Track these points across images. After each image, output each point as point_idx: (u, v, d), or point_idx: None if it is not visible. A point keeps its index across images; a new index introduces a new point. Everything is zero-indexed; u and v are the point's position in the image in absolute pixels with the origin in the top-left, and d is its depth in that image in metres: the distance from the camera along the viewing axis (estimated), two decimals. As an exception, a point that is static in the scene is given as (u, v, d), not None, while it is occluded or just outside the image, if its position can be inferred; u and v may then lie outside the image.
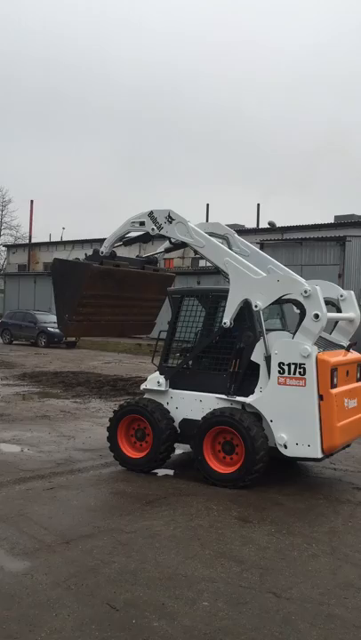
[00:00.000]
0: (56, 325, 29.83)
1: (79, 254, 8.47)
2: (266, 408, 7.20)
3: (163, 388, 8.03)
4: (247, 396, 7.39)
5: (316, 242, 28.89)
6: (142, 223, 8.22)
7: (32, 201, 55.61)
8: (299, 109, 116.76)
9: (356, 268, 28.00)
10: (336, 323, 8.27)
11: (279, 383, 7.07)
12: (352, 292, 8.28)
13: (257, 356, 7.36)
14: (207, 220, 29.55)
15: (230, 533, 5.86)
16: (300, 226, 38.08)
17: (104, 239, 8.64)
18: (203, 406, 7.64)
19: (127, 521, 6.08)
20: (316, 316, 6.94)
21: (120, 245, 8.63)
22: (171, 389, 8.03)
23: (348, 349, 7.85)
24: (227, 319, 7.51)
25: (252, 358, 7.41)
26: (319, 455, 6.93)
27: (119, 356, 25.94)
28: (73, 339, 29.77)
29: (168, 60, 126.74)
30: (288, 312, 8.34)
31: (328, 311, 7.17)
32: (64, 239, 55.57)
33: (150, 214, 8.14)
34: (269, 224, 34.41)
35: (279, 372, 7.07)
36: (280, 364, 7.06)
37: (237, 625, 4.17)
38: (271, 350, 7.19)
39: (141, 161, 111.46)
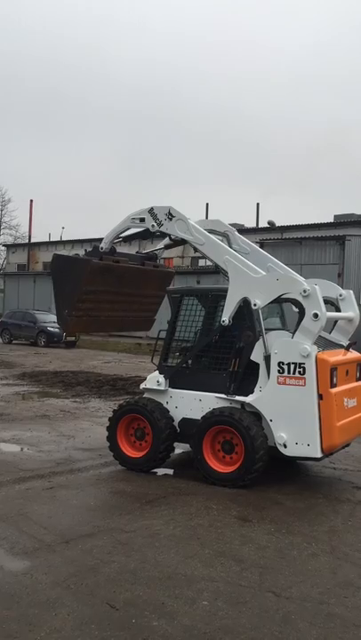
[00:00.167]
0: (56, 325, 30.07)
1: (79, 253, 8.47)
2: (265, 407, 7.20)
3: (162, 388, 8.03)
4: (247, 395, 7.39)
5: (315, 241, 28.89)
6: (142, 219, 8.21)
7: (31, 200, 55.66)
8: (299, 109, 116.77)
9: (356, 267, 28.01)
10: (335, 322, 8.27)
11: (279, 383, 7.06)
12: (351, 292, 8.28)
13: (256, 355, 7.36)
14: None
15: (230, 533, 5.86)
16: (299, 225, 38.06)
17: (104, 239, 8.64)
18: (202, 406, 7.64)
19: (127, 520, 6.08)
20: (316, 316, 6.94)
21: (120, 241, 8.62)
22: (170, 389, 8.02)
23: (347, 349, 7.85)
24: (226, 317, 7.51)
25: (251, 358, 7.41)
26: (319, 454, 6.93)
27: (119, 356, 25.93)
28: (72, 338, 29.81)
29: (168, 59, 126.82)
30: (288, 311, 8.34)
31: (327, 310, 7.17)
32: (64, 239, 55.57)
33: (150, 211, 8.14)
34: (269, 223, 34.39)
35: (279, 371, 7.07)
36: (280, 364, 7.06)
37: (237, 624, 4.18)
38: (271, 350, 7.18)
39: (141, 160, 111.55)
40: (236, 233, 8.83)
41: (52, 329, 29.62)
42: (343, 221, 37.12)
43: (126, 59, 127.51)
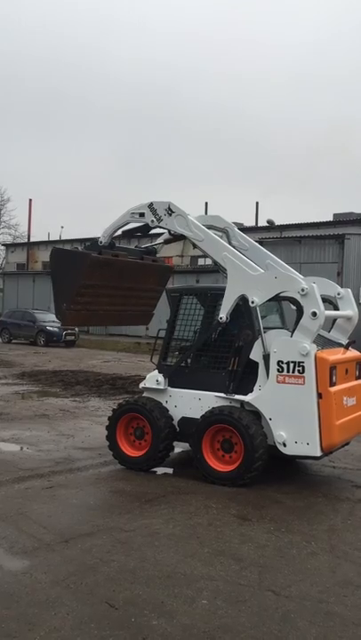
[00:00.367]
0: (55, 324, 30.04)
1: (78, 247, 8.46)
2: (265, 406, 7.20)
3: (162, 387, 8.03)
4: (246, 394, 7.38)
5: (314, 240, 28.89)
6: (142, 214, 8.21)
7: (30, 200, 55.64)
8: (299, 108, 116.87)
9: (355, 265, 28.00)
10: (334, 321, 8.27)
11: (278, 381, 7.06)
12: (349, 290, 8.27)
13: (256, 354, 7.36)
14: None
15: (229, 531, 5.86)
16: (298, 224, 38.04)
17: (103, 232, 8.62)
18: (202, 404, 7.64)
19: (126, 519, 6.08)
20: (314, 314, 6.94)
21: (119, 236, 8.61)
22: (170, 388, 8.02)
23: (346, 347, 7.84)
24: (223, 314, 7.51)
25: (250, 356, 7.41)
26: (318, 453, 6.92)
27: (118, 355, 25.92)
28: (72, 338, 29.80)
29: (168, 59, 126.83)
30: (287, 309, 8.34)
31: (325, 309, 7.17)
32: (63, 238, 55.52)
33: (150, 206, 8.13)
34: (268, 222, 34.30)
35: (278, 370, 7.06)
36: (279, 363, 7.05)
37: (237, 623, 4.17)
38: (270, 348, 7.18)
39: (141, 160, 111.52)
40: (236, 229, 8.82)
41: (51, 328, 29.62)
42: (342, 220, 37.12)
43: (126, 58, 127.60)
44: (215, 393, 7.59)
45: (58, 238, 56.46)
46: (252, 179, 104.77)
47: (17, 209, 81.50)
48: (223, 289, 7.69)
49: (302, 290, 7.02)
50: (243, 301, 7.44)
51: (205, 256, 8.89)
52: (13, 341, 30.95)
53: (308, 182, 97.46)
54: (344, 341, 8.02)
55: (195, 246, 8.09)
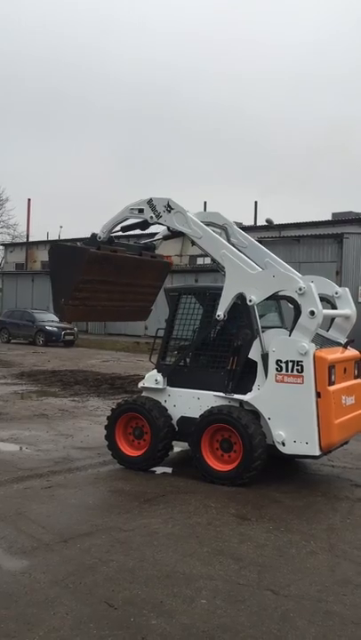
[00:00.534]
0: (54, 324, 30.00)
1: (77, 242, 8.46)
2: (264, 406, 7.19)
3: (160, 386, 8.03)
4: (245, 393, 7.38)
5: (313, 239, 28.90)
6: (141, 210, 8.19)
7: (29, 199, 55.69)
8: (299, 107, 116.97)
9: (354, 265, 28.01)
10: (333, 320, 8.27)
11: (277, 381, 7.06)
12: (347, 289, 8.27)
13: (254, 353, 7.36)
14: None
15: (228, 531, 5.86)
16: (297, 223, 38.06)
17: (101, 228, 8.60)
18: (201, 404, 7.63)
19: (125, 519, 6.08)
20: (312, 313, 6.93)
21: (118, 232, 8.60)
22: (168, 387, 8.02)
23: (345, 346, 7.85)
24: (220, 312, 7.51)
25: (249, 356, 7.41)
26: (317, 452, 6.92)
27: (117, 355, 25.92)
28: (71, 337, 29.78)
29: (168, 59, 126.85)
30: (285, 308, 8.33)
31: (323, 308, 7.17)
32: (62, 238, 55.50)
33: (149, 202, 8.12)
34: (267, 221, 34.35)
35: (277, 369, 7.06)
36: (278, 362, 7.05)
37: (236, 622, 4.17)
38: (269, 348, 7.18)
39: (141, 160, 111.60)
40: (235, 226, 8.82)
41: (50, 328, 29.61)
42: (341, 219, 37.14)
43: (126, 58, 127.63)
44: (214, 392, 7.58)
45: (57, 238, 56.45)
46: (251, 178, 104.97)
47: (15, 208, 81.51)
48: (222, 288, 7.68)
49: (300, 289, 7.02)
50: (241, 300, 7.44)
51: (204, 255, 8.89)
52: (12, 341, 30.94)
53: (307, 182, 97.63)
54: (343, 340, 8.02)
55: (193, 243, 8.08)
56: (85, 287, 8.18)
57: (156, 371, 8.18)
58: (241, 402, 7.40)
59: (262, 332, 7.46)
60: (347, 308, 8.16)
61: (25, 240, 57.16)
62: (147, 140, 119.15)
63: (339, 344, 7.90)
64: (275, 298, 7.53)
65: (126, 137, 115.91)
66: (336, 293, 8.21)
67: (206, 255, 8.21)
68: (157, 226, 8.50)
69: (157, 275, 9.22)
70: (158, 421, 7.71)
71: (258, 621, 4.19)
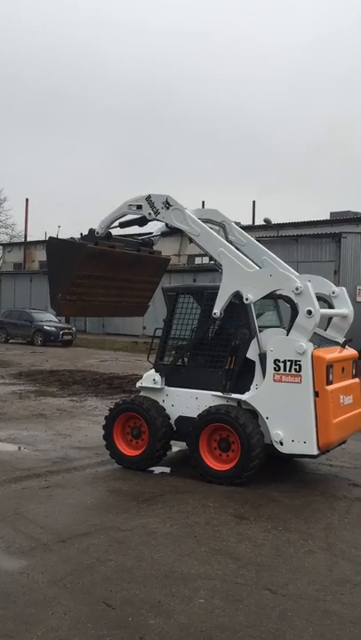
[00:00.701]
0: (52, 324, 29.98)
1: (74, 237, 8.43)
2: (262, 405, 7.20)
3: (158, 386, 8.02)
4: (243, 393, 7.38)
5: (311, 238, 28.90)
6: (139, 207, 8.19)
7: (27, 199, 55.50)
8: (299, 106, 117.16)
9: (352, 264, 28.02)
10: (330, 319, 8.27)
11: (275, 380, 7.06)
12: (344, 289, 8.28)
13: (252, 353, 7.36)
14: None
15: (226, 530, 5.86)
16: (295, 222, 38.10)
17: (99, 223, 8.60)
18: (199, 404, 7.63)
19: (123, 519, 6.07)
20: (310, 313, 6.94)
21: (116, 227, 8.61)
22: (167, 387, 8.01)
23: (343, 346, 7.85)
24: (217, 310, 7.51)
25: (247, 355, 7.41)
26: (315, 452, 6.93)
27: (115, 354, 25.91)
28: (69, 337, 29.76)
29: (168, 58, 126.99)
30: (283, 307, 8.33)
31: (320, 307, 7.17)
32: (60, 238, 55.37)
33: (148, 198, 8.12)
34: (265, 221, 34.41)
35: (275, 368, 7.06)
36: (276, 361, 7.05)
37: (234, 622, 4.17)
38: (267, 347, 7.18)
39: (140, 160, 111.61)
40: (233, 224, 8.82)
41: (48, 328, 29.60)
42: (339, 219, 37.18)
43: (126, 58, 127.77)
44: (212, 392, 7.58)
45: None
46: (251, 178, 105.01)
47: (13, 208, 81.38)
48: (219, 287, 7.68)
49: (296, 289, 7.02)
50: (237, 298, 7.44)
51: (203, 254, 8.89)
52: (10, 341, 30.91)
53: (307, 181, 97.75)
54: (340, 340, 8.03)
55: (191, 241, 8.08)
56: (83, 282, 8.18)
57: (153, 370, 8.18)
58: (239, 401, 7.40)
59: (260, 331, 7.46)
60: (344, 308, 8.17)
61: (23, 240, 57.09)
62: (146, 139, 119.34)
63: (337, 343, 7.91)
64: (272, 297, 7.53)
65: (126, 137, 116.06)
66: (333, 293, 8.21)
67: (204, 254, 8.21)
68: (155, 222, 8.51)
69: (155, 270, 9.22)
70: (156, 421, 7.71)
71: (256, 621, 4.19)
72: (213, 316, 7.56)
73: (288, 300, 7.17)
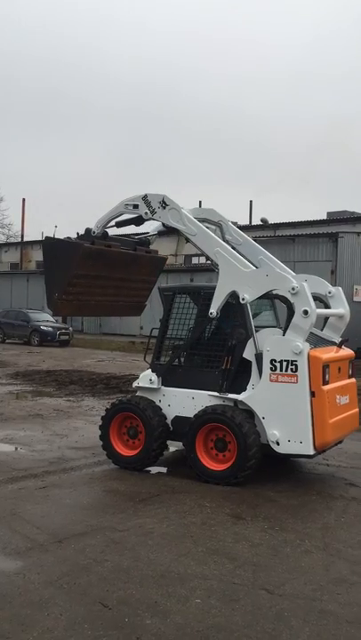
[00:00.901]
0: (49, 324, 29.92)
1: (70, 236, 8.44)
2: (258, 405, 7.20)
3: (155, 386, 8.02)
4: (239, 393, 7.38)
5: (308, 238, 28.93)
6: (136, 206, 8.19)
7: (24, 199, 55.45)
8: (298, 106, 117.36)
9: (349, 264, 28.06)
10: (326, 319, 8.28)
11: (271, 380, 7.06)
12: (340, 289, 8.28)
13: (249, 353, 7.36)
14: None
15: (223, 530, 5.86)
16: (292, 222, 38.13)
17: (96, 222, 8.60)
18: (195, 404, 7.63)
19: (120, 519, 6.07)
20: (306, 313, 6.94)
21: (112, 227, 8.60)
22: (163, 387, 8.01)
23: (339, 346, 7.85)
24: (213, 309, 7.51)
25: (243, 355, 7.41)
26: (311, 452, 6.93)
27: (112, 354, 25.89)
28: (66, 337, 29.72)
29: (168, 59, 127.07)
30: (280, 307, 8.34)
31: (316, 307, 7.18)
32: (56, 237, 55.31)
33: (144, 198, 8.11)
34: (262, 221, 34.47)
35: (271, 368, 7.06)
36: (272, 361, 7.05)
37: (230, 622, 4.17)
38: (263, 347, 7.18)
39: (140, 160, 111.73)
40: (230, 223, 8.82)
41: (45, 328, 29.57)
42: (336, 218, 37.22)
43: (126, 58, 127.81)
44: (208, 392, 7.58)
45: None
46: (251, 178, 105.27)
47: (10, 208, 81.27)
48: (216, 288, 7.68)
49: (293, 289, 7.03)
50: (234, 298, 7.44)
51: (200, 254, 8.89)
52: (7, 341, 30.87)
53: (308, 181, 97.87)
54: (337, 340, 8.03)
55: (187, 240, 8.08)
56: (79, 282, 8.17)
57: (150, 370, 8.18)
58: (235, 401, 7.40)
59: (256, 331, 7.46)
60: (340, 308, 8.17)
61: (20, 240, 57.01)
62: (146, 139, 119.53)
63: (333, 343, 7.91)
64: (268, 297, 7.53)
65: (126, 137, 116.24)
66: (329, 292, 8.21)
67: (201, 253, 8.21)
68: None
69: (152, 270, 9.21)
70: (153, 421, 7.70)
71: (252, 621, 4.19)
72: (210, 315, 7.56)
73: (284, 299, 7.17)
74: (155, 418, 7.74)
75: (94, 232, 8.34)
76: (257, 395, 7.22)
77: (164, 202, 7.99)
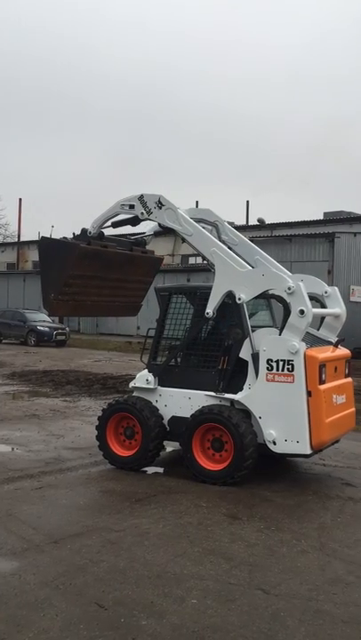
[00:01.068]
0: (45, 324, 29.88)
1: (67, 237, 8.43)
2: (254, 405, 7.19)
3: (151, 386, 8.01)
4: (236, 392, 7.38)
5: (305, 238, 28.97)
6: (132, 206, 8.18)
7: (20, 199, 55.52)
8: (298, 107, 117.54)
9: (345, 264, 28.12)
10: (323, 319, 8.28)
11: (268, 380, 7.06)
12: (336, 289, 8.29)
13: (245, 352, 7.36)
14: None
15: (219, 530, 5.85)
16: (289, 222, 38.17)
17: (92, 223, 8.59)
18: (192, 404, 7.63)
19: (116, 519, 6.06)
20: (302, 312, 6.94)
21: (108, 227, 8.59)
22: (160, 387, 8.00)
23: (336, 345, 7.86)
24: (210, 309, 7.51)
25: (240, 355, 7.41)
26: (308, 451, 6.93)
27: (109, 354, 25.87)
28: (63, 337, 29.69)
29: (168, 60, 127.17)
30: (276, 307, 8.34)
31: (312, 307, 7.18)
32: (52, 237, 55.24)
33: (140, 198, 8.10)
34: (258, 221, 34.50)
35: (268, 368, 7.06)
36: (268, 361, 7.05)
37: (226, 622, 4.17)
38: (260, 347, 7.18)
39: (140, 161, 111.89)
40: (226, 223, 8.82)
41: (41, 328, 29.53)
42: (333, 219, 37.27)
43: (126, 59, 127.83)
44: (205, 392, 7.58)
45: (48, 238, 56.17)
46: (251, 178, 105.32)
47: (7, 208, 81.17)
48: (212, 288, 7.68)
49: (289, 288, 7.03)
50: (230, 298, 7.44)
51: (196, 254, 8.88)
52: (4, 341, 30.80)
53: (308, 182, 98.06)
54: (333, 339, 8.03)
55: (184, 240, 8.08)
56: (75, 282, 8.16)
57: (147, 370, 8.17)
58: (232, 401, 7.39)
59: (253, 331, 7.46)
60: (336, 307, 8.18)
61: (16, 240, 56.95)
62: (146, 140, 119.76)
63: (329, 343, 7.92)
64: (264, 296, 7.53)
65: (125, 137, 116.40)
66: (325, 292, 8.22)
67: (198, 254, 8.21)
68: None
69: (148, 270, 9.21)
70: (149, 421, 7.69)
71: (248, 621, 4.19)
72: (206, 315, 7.56)
73: (280, 299, 7.17)
74: (151, 418, 7.73)
75: (90, 232, 8.33)
76: (253, 394, 7.22)
77: (160, 202, 7.99)
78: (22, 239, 56.16)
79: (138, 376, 8.27)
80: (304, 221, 38.09)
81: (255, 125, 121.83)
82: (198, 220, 8.28)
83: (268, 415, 7.08)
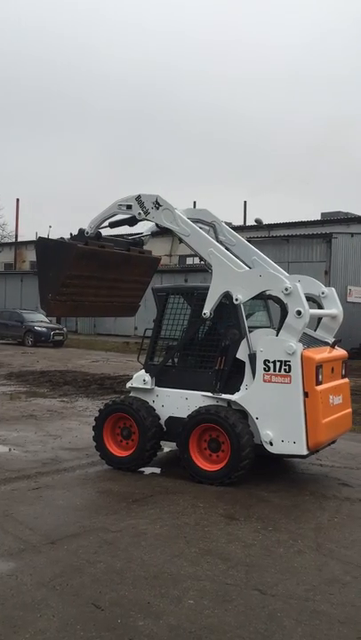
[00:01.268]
0: (43, 324, 29.85)
1: (64, 237, 8.44)
2: (251, 405, 7.20)
3: (148, 386, 8.01)
4: (233, 393, 7.38)
5: (302, 239, 29.00)
6: (129, 207, 8.19)
7: (17, 199, 55.46)
8: (298, 107, 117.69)
9: (343, 264, 28.15)
10: (320, 320, 8.29)
11: (264, 380, 7.07)
12: (333, 289, 8.30)
13: (242, 353, 7.36)
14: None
15: (216, 531, 5.85)
16: (286, 223, 38.21)
17: (89, 223, 8.59)
18: (189, 404, 7.63)
19: (113, 520, 6.06)
20: (299, 313, 6.95)
21: (105, 227, 8.59)
22: (157, 387, 8.00)
23: (332, 346, 7.87)
24: (207, 310, 7.51)
25: (237, 356, 7.41)
26: (305, 452, 6.94)
27: (107, 355, 25.86)
28: (60, 338, 29.67)
29: (167, 60, 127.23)
30: (274, 308, 8.35)
31: (310, 308, 7.19)
32: (50, 237, 55.22)
33: (138, 198, 8.11)
34: (256, 221, 34.45)
35: (264, 369, 7.07)
36: (265, 362, 7.06)
37: (223, 622, 4.17)
38: (257, 348, 7.19)
39: (139, 161, 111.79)
40: (223, 224, 8.83)
41: (39, 328, 29.51)
42: (330, 219, 37.32)
43: (126, 59, 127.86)
44: (202, 392, 7.58)
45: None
46: (251, 179, 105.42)
47: (4, 208, 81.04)
48: (209, 288, 7.68)
49: (286, 289, 7.04)
50: (227, 298, 7.45)
51: (194, 255, 8.89)
52: (1, 342, 30.77)
53: (308, 182, 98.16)
54: (330, 340, 8.04)
55: (181, 241, 8.08)
56: (73, 282, 8.16)
57: (144, 371, 8.17)
58: (229, 402, 7.40)
59: (250, 331, 7.47)
60: (333, 308, 8.19)
61: (14, 240, 56.89)
62: (146, 140, 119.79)
63: (326, 344, 7.92)
64: (261, 297, 7.54)
65: (125, 137, 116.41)
66: (322, 293, 8.23)
67: (195, 254, 8.22)
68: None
69: (145, 270, 9.21)
70: (146, 421, 7.69)
71: (245, 621, 4.19)
72: (203, 316, 7.57)
73: (278, 300, 7.17)
74: (148, 418, 7.73)
75: (87, 232, 8.33)
76: (250, 395, 7.23)
77: (157, 202, 7.99)
78: (20, 239, 56.15)
79: (135, 376, 8.27)
80: (301, 222, 38.15)
81: (255, 125, 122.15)
82: (196, 221, 8.29)
83: (265, 416, 7.08)
